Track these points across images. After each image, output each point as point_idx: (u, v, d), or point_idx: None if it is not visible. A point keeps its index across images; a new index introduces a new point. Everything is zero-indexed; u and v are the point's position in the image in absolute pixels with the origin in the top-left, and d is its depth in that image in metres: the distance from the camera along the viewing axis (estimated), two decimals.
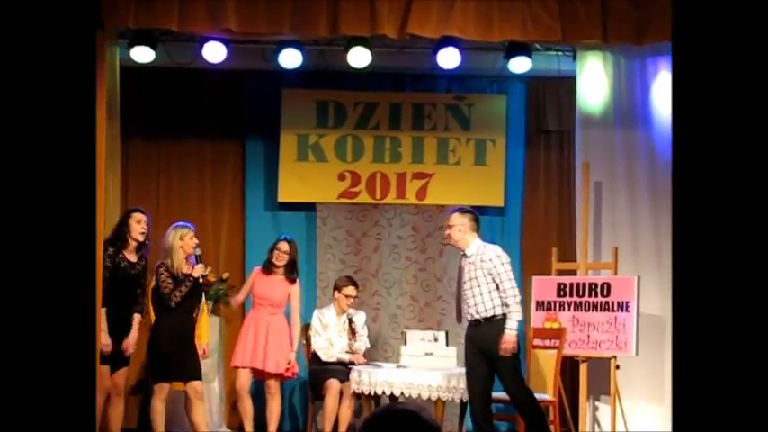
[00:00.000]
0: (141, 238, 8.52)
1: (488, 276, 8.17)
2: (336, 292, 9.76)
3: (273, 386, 9.39)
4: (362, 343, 9.70)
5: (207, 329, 9.38)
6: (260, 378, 9.47)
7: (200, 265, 8.60)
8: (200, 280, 8.60)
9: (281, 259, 9.47)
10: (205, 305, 9.43)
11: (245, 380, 9.39)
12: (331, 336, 9.60)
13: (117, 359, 8.44)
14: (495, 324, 8.14)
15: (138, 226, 8.49)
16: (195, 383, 8.56)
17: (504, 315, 8.12)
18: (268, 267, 9.50)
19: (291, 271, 9.50)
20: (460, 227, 8.30)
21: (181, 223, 8.77)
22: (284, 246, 9.51)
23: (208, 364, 9.39)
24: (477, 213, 8.53)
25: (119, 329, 8.40)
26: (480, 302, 8.19)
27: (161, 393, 8.59)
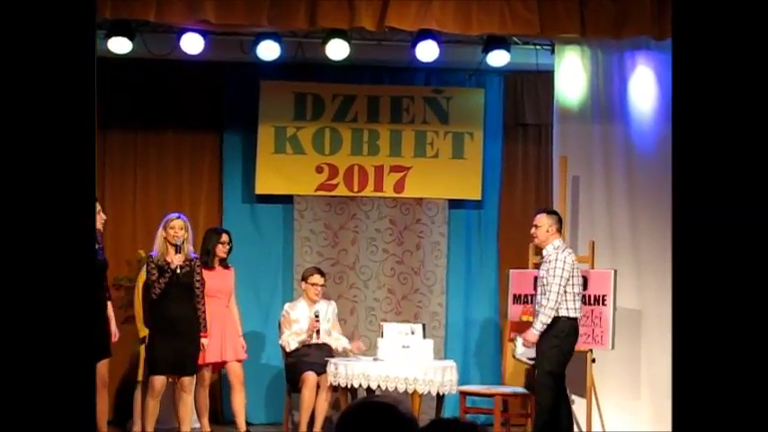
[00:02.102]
0: (101, 227, 8.48)
1: (545, 278, 8.34)
2: (304, 282, 9.75)
3: (238, 376, 9.30)
4: (339, 340, 9.68)
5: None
6: (216, 371, 9.44)
7: (178, 255, 8.57)
8: (178, 271, 8.55)
9: (226, 250, 9.44)
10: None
11: (209, 374, 9.33)
12: (303, 327, 9.57)
13: (97, 353, 8.40)
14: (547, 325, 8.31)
15: (98, 216, 8.44)
16: (185, 379, 8.57)
17: (555, 317, 8.28)
18: (211, 262, 9.37)
19: (225, 259, 9.50)
20: (549, 227, 8.45)
21: (170, 214, 8.79)
22: (226, 237, 9.47)
23: None
24: (560, 214, 8.74)
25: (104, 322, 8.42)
26: (538, 300, 8.44)
27: (152, 390, 8.56)
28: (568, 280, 8.26)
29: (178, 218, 8.68)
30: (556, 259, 8.30)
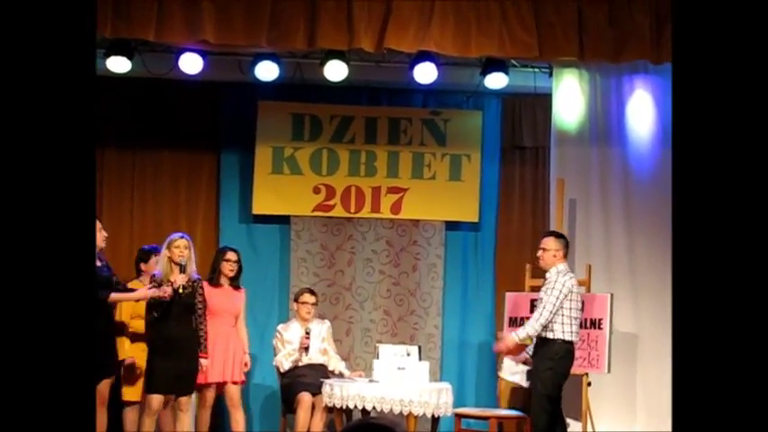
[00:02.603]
0: (103, 245, 8.55)
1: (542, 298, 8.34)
2: (295, 303, 9.75)
3: (237, 397, 9.30)
4: (338, 364, 9.67)
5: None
6: (220, 392, 9.42)
7: (182, 275, 8.55)
8: (180, 290, 8.53)
9: (233, 269, 9.43)
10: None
11: (212, 395, 9.32)
12: (296, 347, 9.55)
13: (101, 369, 8.38)
14: (543, 345, 8.29)
15: (99, 234, 8.47)
16: (183, 399, 8.55)
17: (550, 339, 8.27)
18: (216, 280, 9.40)
19: (237, 279, 9.49)
20: (555, 252, 8.44)
21: (174, 234, 8.77)
22: (233, 255, 9.47)
23: None
24: (567, 238, 8.72)
25: (105, 336, 8.39)
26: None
27: (149, 409, 8.51)
28: (563, 302, 8.25)
29: (182, 237, 8.66)
30: (555, 281, 8.29)
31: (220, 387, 9.36)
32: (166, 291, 8.38)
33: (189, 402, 8.66)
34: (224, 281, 9.41)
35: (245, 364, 9.36)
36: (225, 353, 9.23)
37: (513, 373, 9.31)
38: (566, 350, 8.29)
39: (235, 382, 9.30)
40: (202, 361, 8.67)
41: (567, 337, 8.27)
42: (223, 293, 9.35)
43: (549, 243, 8.49)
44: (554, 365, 8.25)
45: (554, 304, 8.22)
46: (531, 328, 8.24)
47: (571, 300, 8.31)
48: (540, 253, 8.53)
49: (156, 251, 9.20)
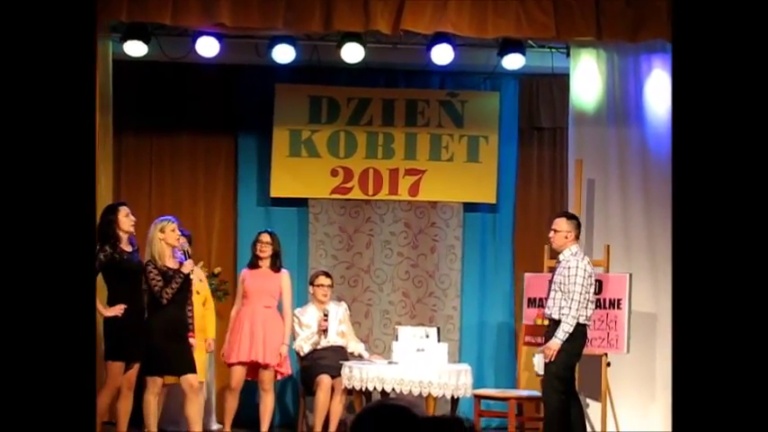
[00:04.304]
0: (133, 230, 8.53)
1: (563, 284, 8.28)
2: (311, 286, 9.77)
3: (268, 381, 9.37)
4: (357, 346, 9.71)
5: (213, 324, 9.38)
6: (253, 377, 9.45)
7: (190, 260, 8.60)
8: (191, 276, 8.60)
9: (264, 251, 9.49)
10: (211, 300, 9.40)
11: (240, 377, 9.38)
12: (315, 331, 9.58)
13: (133, 354, 8.42)
14: (556, 326, 8.27)
15: (128, 219, 8.48)
16: (190, 377, 8.56)
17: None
18: (254, 262, 9.53)
19: (275, 262, 9.52)
20: (567, 234, 8.42)
21: (162, 217, 8.76)
22: (266, 237, 9.54)
23: (205, 359, 9.38)
24: (579, 219, 8.67)
25: (135, 323, 8.40)
26: (552, 305, 8.34)
27: (154, 388, 8.60)
28: (588, 288, 8.25)
29: (174, 221, 8.68)
30: (576, 266, 8.26)
31: (252, 370, 9.39)
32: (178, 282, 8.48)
33: (196, 380, 8.67)
34: (262, 263, 9.51)
35: (279, 354, 9.40)
36: (257, 334, 9.28)
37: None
38: (579, 332, 8.27)
39: (266, 365, 9.32)
40: (192, 340, 8.75)
41: (582, 320, 8.25)
42: (259, 275, 9.47)
43: (561, 224, 8.46)
44: (567, 347, 8.23)
45: (580, 293, 8.19)
46: (567, 326, 8.18)
47: (590, 284, 8.30)
48: (551, 234, 8.51)
49: (183, 234, 9.24)
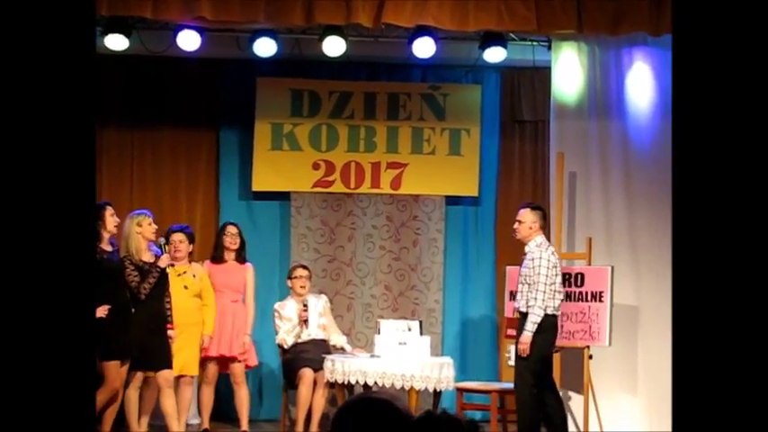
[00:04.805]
0: (116, 230, 8.50)
1: (528, 276, 8.29)
2: (289, 280, 9.74)
3: (239, 374, 9.37)
4: (339, 338, 9.70)
5: (212, 320, 9.24)
6: (224, 370, 9.44)
7: (166, 255, 8.62)
8: (167, 270, 8.60)
9: (234, 243, 9.48)
10: (211, 296, 9.27)
11: (213, 371, 9.38)
12: (296, 323, 9.57)
13: (125, 354, 8.40)
14: (526, 319, 8.29)
15: (113, 219, 8.45)
16: (165, 372, 8.57)
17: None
18: (220, 256, 9.48)
19: (240, 254, 9.52)
20: (531, 224, 8.42)
21: (137, 211, 8.75)
22: (233, 229, 9.55)
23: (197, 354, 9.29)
24: (545, 210, 8.66)
25: (122, 321, 8.37)
26: (520, 298, 8.37)
27: (135, 382, 8.60)
28: (553, 278, 8.26)
29: (149, 215, 8.67)
30: (540, 257, 8.28)
31: (224, 364, 9.39)
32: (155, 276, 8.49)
33: (172, 375, 8.67)
34: (228, 256, 9.49)
35: (243, 345, 9.38)
36: (226, 328, 9.27)
37: None
38: (548, 323, 8.28)
39: (235, 358, 9.32)
40: (170, 332, 8.73)
41: (550, 311, 8.26)
42: (226, 269, 9.42)
43: (525, 215, 8.47)
44: (538, 339, 8.23)
45: (545, 284, 8.21)
46: (534, 317, 8.20)
47: (556, 274, 8.30)
48: (515, 225, 8.53)
49: (184, 231, 9.22)
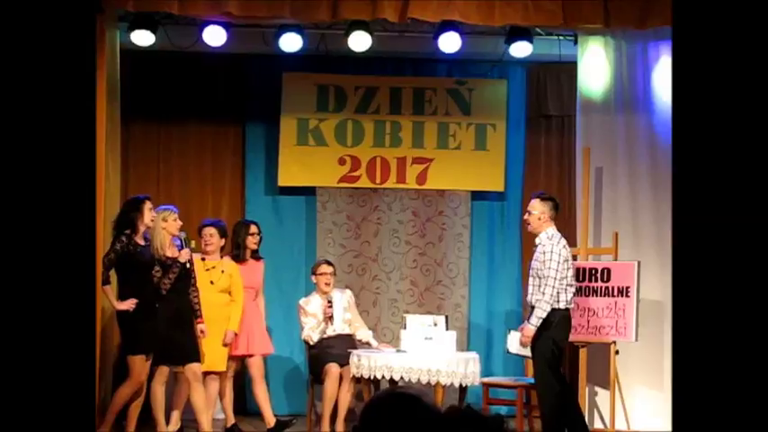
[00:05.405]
0: (152, 225, 8.50)
1: (539, 270, 8.23)
2: (314, 276, 9.71)
3: (259, 368, 9.33)
4: (365, 332, 9.69)
5: (237, 317, 9.20)
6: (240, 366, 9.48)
7: (187, 249, 8.62)
8: (188, 264, 8.61)
9: (257, 243, 9.48)
10: (240, 293, 9.23)
11: (233, 367, 9.38)
12: (321, 319, 9.57)
13: (150, 348, 8.42)
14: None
15: (150, 214, 8.45)
16: (194, 366, 8.58)
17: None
18: (242, 255, 9.44)
19: (258, 251, 9.54)
20: (541, 215, 8.32)
21: (163, 206, 8.75)
22: (256, 228, 9.52)
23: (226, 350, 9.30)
24: (557, 200, 8.58)
25: (149, 315, 8.39)
26: (531, 292, 8.30)
27: (161, 377, 8.63)
28: (564, 272, 8.19)
29: (174, 210, 8.68)
30: (551, 251, 8.19)
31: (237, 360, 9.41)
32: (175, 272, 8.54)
33: (199, 371, 8.68)
34: (248, 254, 9.45)
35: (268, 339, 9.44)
36: (249, 327, 9.28)
37: (524, 356, 9.23)
38: (561, 317, 8.21)
39: (251, 355, 9.32)
40: (200, 326, 8.72)
41: (563, 305, 8.19)
42: (247, 269, 9.41)
43: (535, 205, 8.38)
44: (550, 334, 8.18)
45: (555, 278, 8.13)
46: (540, 311, 8.13)
47: (567, 268, 8.25)
48: (525, 216, 8.46)
49: (215, 225, 9.23)
